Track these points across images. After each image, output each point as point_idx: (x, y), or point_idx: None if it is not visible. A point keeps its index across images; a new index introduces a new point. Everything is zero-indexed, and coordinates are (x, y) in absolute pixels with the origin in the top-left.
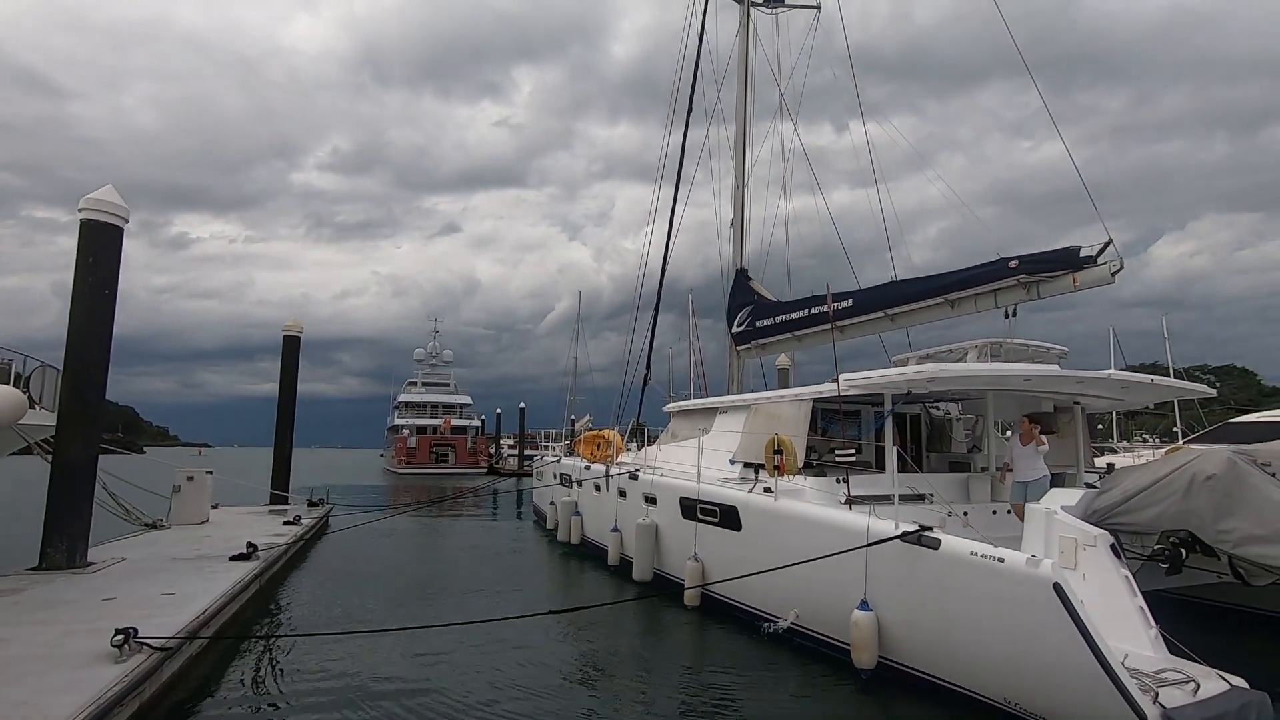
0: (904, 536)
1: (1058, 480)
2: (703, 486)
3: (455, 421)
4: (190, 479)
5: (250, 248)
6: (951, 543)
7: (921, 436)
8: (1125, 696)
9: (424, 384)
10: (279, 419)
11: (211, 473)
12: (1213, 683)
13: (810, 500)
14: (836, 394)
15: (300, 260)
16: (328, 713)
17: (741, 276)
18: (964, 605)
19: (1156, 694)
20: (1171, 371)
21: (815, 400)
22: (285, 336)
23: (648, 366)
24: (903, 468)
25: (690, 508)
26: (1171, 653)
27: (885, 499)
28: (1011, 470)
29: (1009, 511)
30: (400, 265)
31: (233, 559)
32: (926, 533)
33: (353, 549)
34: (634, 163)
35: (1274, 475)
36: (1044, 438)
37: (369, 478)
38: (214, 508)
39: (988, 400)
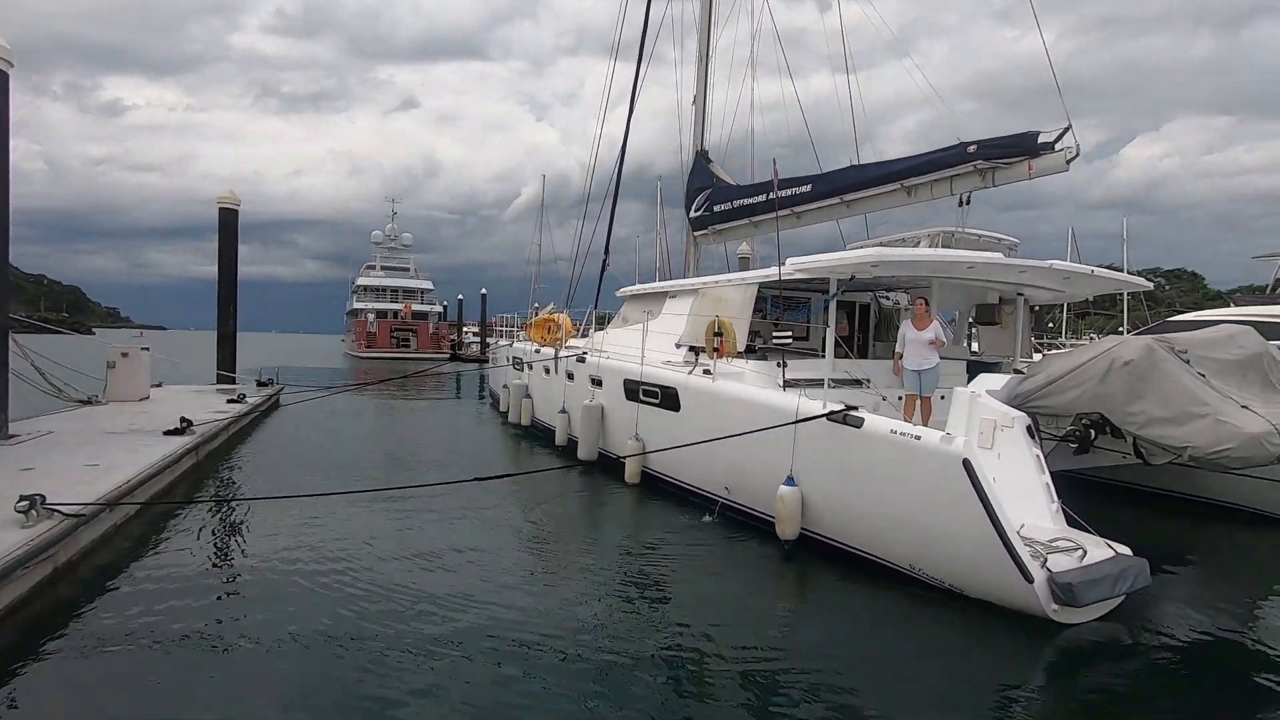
0: (830, 415)
1: (994, 369)
2: (645, 369)
3: (416, 307)
4: (125, 355)
5: (192, 118)
6: (874, 421)
7: (870, 325)
8: (1016, 562)
9: (383, 268)
10: (220, 297)
11: (148, 349)
12: (1099, 550)
13: (750, 383)
14: (782, 278)
15: (248, 133)
16: (256, 575)
17: (701, 159)
18: (882, 480)
19: (1045, 559)
20: (1127, 271)
21: (761, 285)
22: (221, 209)
23: (606, 252)
24: (845, 354)
25: (634, 389)
26: (1070, 525)
27: (820, 382)
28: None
29: (943, 397)
30: (356, 142)
31: (166, 433)
32: (851, 412)
33: (302, 426)
34: (606, 37)
35: (1188, 362)
36: (940, 328)
37: (329, 361)
38: (156, 386)
39: (933, 289)
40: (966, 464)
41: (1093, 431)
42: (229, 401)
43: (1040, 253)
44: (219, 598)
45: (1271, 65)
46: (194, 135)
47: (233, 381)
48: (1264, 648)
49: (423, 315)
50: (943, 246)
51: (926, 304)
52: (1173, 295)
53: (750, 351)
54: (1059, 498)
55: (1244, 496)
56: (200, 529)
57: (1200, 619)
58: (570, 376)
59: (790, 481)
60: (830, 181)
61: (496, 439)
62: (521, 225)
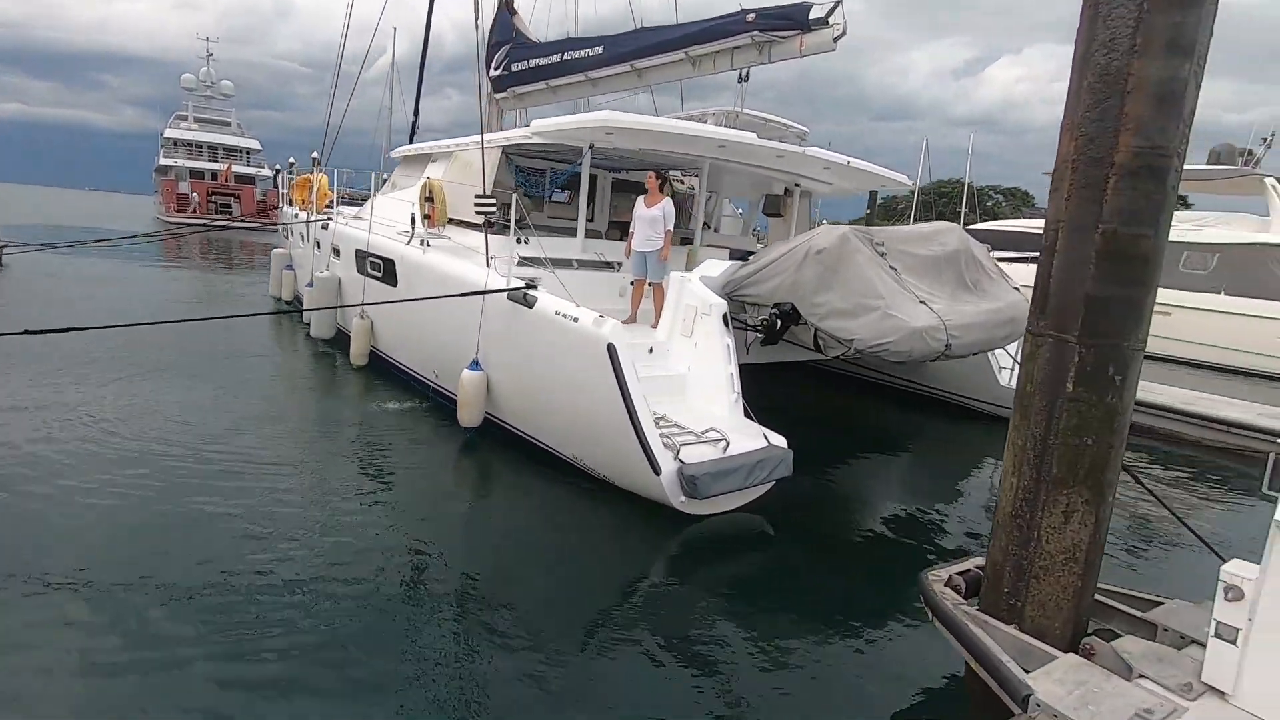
0: (510, 293)
1: None
2: (372, 238)
3: (239, 168)
4: None
5: None
6: (545, 301)
7: None
8: (647, 453)
9: (196, 119)
10: None
11: None
12: (749, 442)
13: (472, 258)
14: (520, 142)
15: None
16: None
17: (505, 9)
18: (549, 364)
19: (679, 451)
20: (967, 186)
21: (507, 150)
22: None
23: (415, 113)
24: (601, 234)
25: (363, 260)
26: (746, 416)
27: (567, 263)
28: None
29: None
30: None
31: None
32: (530, 290)
33: (24, 293)
34: None
35: (884, 255)
36: (668, 204)
37: (133, 224)
38: None
39: (704, 172)
40: (610, 349)
41: (780, 322)
42: None
43: (900, 164)
44: None
45: None
46: None
47: None
48: (891, 535)
49: (248, 179)
50: (726, 126)
51: (659, 178)
52: (1006, 211)
53: (490, 226)
54: (740, 387)
55: (956, 388)
56: None
57: (848, 508)
58: (319, 245)
59: (475, 365)
60: (619, 45)
61: (247, 312)
62: (388, 88)
